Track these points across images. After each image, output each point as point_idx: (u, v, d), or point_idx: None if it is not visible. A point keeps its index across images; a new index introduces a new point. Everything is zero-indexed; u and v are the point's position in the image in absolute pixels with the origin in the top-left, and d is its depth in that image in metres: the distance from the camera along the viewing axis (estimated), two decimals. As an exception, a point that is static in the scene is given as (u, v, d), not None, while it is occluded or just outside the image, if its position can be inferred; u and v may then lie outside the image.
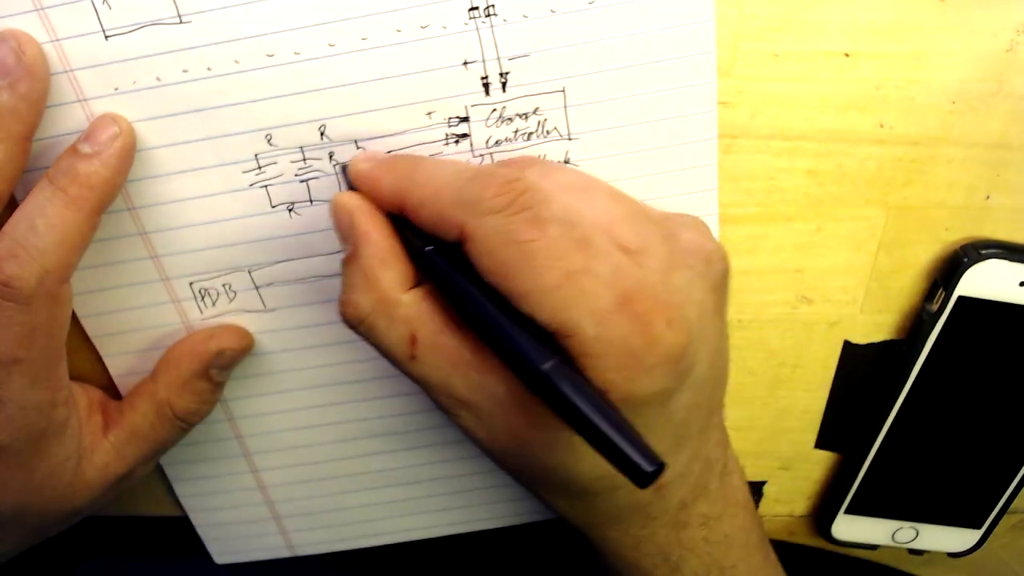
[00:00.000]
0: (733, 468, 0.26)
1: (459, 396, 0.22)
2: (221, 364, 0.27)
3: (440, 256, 0.21)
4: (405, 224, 0.22)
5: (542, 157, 0.25)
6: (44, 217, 0.22)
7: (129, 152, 0.23)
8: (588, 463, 0.21)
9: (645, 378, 0.19)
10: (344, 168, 0.24)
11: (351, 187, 0.23)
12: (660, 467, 0.17)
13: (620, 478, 0.21)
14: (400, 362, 0.22)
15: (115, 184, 0.23)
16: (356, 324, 0.22)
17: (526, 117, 0.25)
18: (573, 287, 0.19)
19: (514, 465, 0.23)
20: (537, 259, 0.19)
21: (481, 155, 0.25)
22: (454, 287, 0.21)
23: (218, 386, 0.28)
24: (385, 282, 0.21)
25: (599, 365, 0.19)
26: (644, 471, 0.17)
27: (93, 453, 0.26)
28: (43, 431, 0.24)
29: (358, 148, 0.25)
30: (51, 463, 0.25)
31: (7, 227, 0.22)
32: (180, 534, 0.34)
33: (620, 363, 0.19)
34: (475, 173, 0.20)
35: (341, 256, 0.22)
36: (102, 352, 0.28)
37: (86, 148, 0.23)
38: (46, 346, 0.23)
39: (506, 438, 0.22)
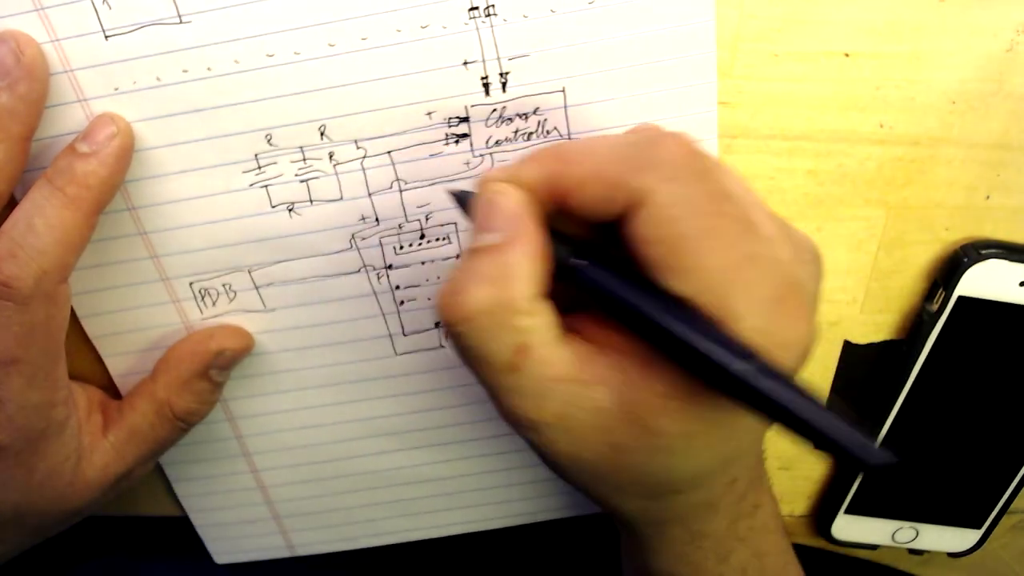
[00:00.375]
0: (763, 456, 0.26)
1: (553, 411, 0.20)
2: (221, 364, 0.27)
3: (599, 266, 0.20)
4: (557, 232, 0.20)
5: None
6: (42, 217, 0.22)
7: (127, 151, 0.23)
8: (693, 462, 0.21)
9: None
10: (458, 195, 0.22)
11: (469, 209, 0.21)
12: (887, 455, 0.17)
13: (708, 476, 0.20)
14: (495, 371, 0.20)
15: (113, 184, 0.23)
16: (459, 320, 0.19)
17: (526, 117, 0.25)
18: (746, 271, 0.18)
19: (597, 475, 0.22)
20: (719, 236, 0.18)
21: (481, 155, 0.25)
22: (616, 290, 0.19)
23: (218, 386, 0.28)
24: (523, 283, 0.19)
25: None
26: (878, 464, 0.17)
27: (93, 453, 0.26)
28: (42, 431, 0.24)
29: (358, 148, 0.25)
30: (51, 463, 0.25)
31: (5, 227, 0.22)
32: (180, 534, 0.34)
33: (772, 356, 0.18)
34: (635, 138, 0.19)
35: (478, 244, 0.20)
36: (102, 352, 0.28)
37: (84, 147, 0.23)
38: (45, 346, 0.23)
39: (600, 449, 0.20)
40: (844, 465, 0.17)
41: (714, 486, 0.22)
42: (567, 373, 0.20)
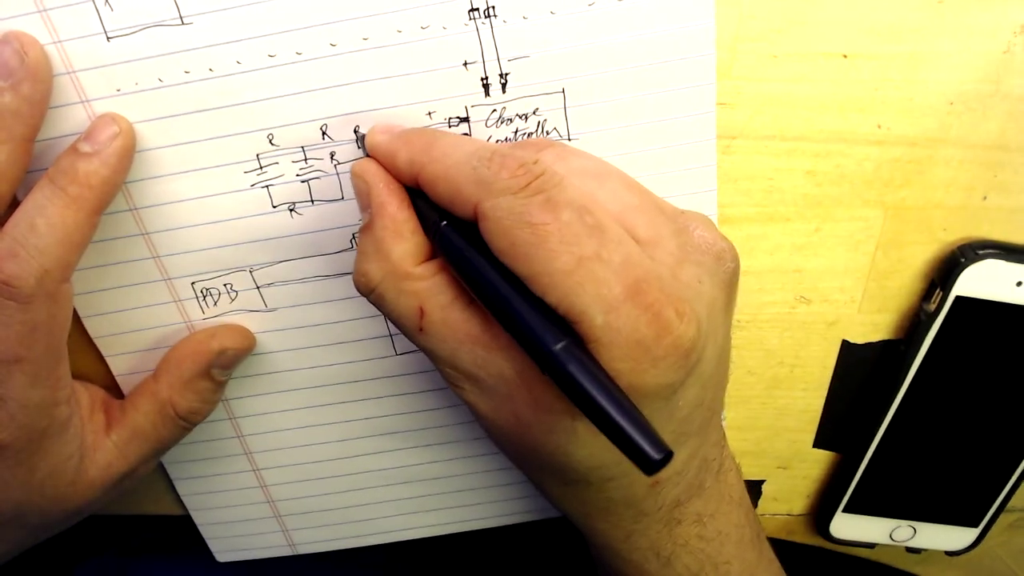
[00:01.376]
0: (729, 466, 0.26)
1: (464, 370, 0.22)
2: (223, 364, 0.27)
3: (454, 231, 0.21)
4: (422, 197, 0.22)
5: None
6: (44, 216, 0.22)
7: (129, 151, 0.23)
8: (587, 450, 0.21)
9: (652, 369, 0.19)
10: (362, 138, 0.24)
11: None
12: (668, 455, 0.17)
13: (615, 470, 0.20)
14: (409, 333, 0.22)
15: (115, 183, 0.23)
16: (367, 293, 0.22)
17: (526, 118, 0.25)
18: (583, 273, 0.19)
19: (513, 445, 0.23)
20: (549, 242, 0.19)
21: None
22: (467, 263, 0.21)
23: (220, 385, 0.28)
24: (397, 254, 0.21)
25: (606, 353, 0.19)
26: (652, 458, 0.17)
27: (95, 452, 0.26)
28: (45, 429, 0.24)
29: (359, 148, 0.25)
30: (53, 462, 0.25)
31: (7, 226, 0.22)
32: (182, 533, 0.34)
33: (628, 353, 0.19)
34: (492, 153, 0.20)
35: (361, 224, 0.22)
36: (104, 352, 0.28)
37: (86, 147, 0.23)
38: (47, 345, 0.23)
39: (508, 416, 0.22)
40: (630, 457, 0.17)
41: (628, 485, 0.22)
42: (469, 334, 0.21)
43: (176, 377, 0.27)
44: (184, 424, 0.27)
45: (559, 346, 0.18)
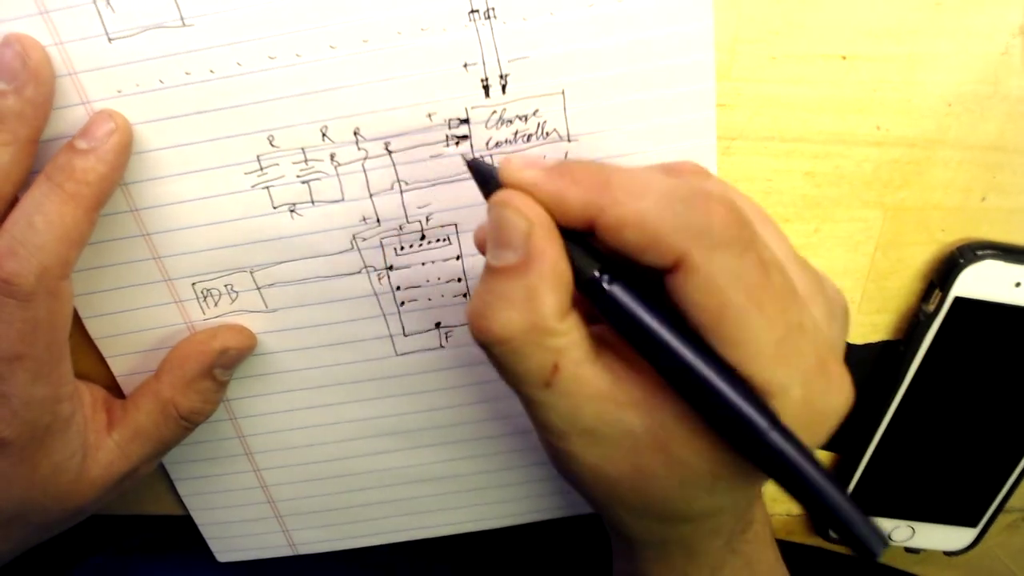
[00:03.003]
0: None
1: (583, 425, 0.20)
2: (225, 363, 0.27)
3: (627, 288, 0.19)
4: (577, 242, 0.19)
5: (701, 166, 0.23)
6: (42, 214, 0.22)
7: (126, 147, 0.23)
8: (714, 499, 0.21)
9: (824, 436, 0.19)
10: (476, 165, 0.21)
11: (487, 189, 0.20)
12: (887, 544, 0.17)
13: (725, 511, 0.21)
14: (529, 387, 0.20)
15: (112, 180, 0.23)
16: (495, 343, 0.19)
17: (526, 119, 0.25)
18: (789, 344, 0.18)
19: (615, 492, 0.21)
20: (765, 309, 0.18)
21: (481, 156, 0.25)
22: (640, 323, 0.18)
23: (222, 385, 0.28)
24: (549, 306, 0.19)
25: (797, 425, 0.18)
26: (876, 552, 0.17)
27: (97, 451, 0.26)
28: (48, 426, 0.24)
29: (359, 149, 0.25)
30: (55, 459, 0.25)
31: (6, 224, 0.22)
32: (183, 533, 0.34)
33: (813, 424, 0.18)
34: (690, 193, 0.18)
35: (496, 262, 0.19)
36: (105, 353, 0.28)
37: (82, 144, 0.23)
38: (49, 342, 0.23)
39: (625, 469, 0.20)
40: (854, 551, 0.18)
41: (726, 518, 0.23)
42: (599, 391, 0.20)
43: (178, 377, 0.27)
44: (186, 424, 0.27)
45: (772, 431, 0.17)
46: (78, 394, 0.26)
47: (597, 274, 0.19)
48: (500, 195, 0.19)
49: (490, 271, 0.19)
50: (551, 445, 0.21)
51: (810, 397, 0.18)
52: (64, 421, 0.25)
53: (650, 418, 0.20)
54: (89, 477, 0.26)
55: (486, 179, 0.20)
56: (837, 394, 0.19)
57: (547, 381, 0.19)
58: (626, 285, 0.19)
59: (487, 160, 0.26)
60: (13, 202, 0.23)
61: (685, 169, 0.22)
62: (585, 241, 0.19)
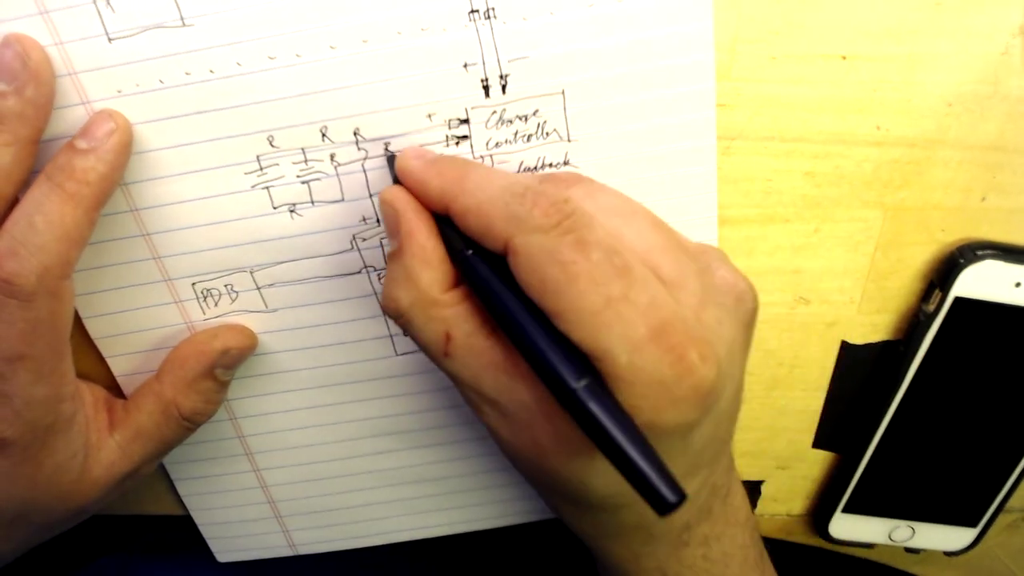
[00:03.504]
0: (736, 489, 0.26)
1: (487, 395, 0.22)
2: (226, 363, 0.27)
3: (481, 262, 0.21)
4: (450, 225, 0.22)
5: (585, 176, 0.25)
6: (42, 214, 0.22)
7: (126, 147, 0.23)
8: (603, 480, 0.22)
9: (672, 409, 0.20)
10: (391, 158, 0.24)
11: (396, 180, 0.23)
12: (682, 498, 0.18)
13: (630, 497, 0.20)
14: (434, 358, 0.23)
15: (112, 180, 0.23)
16: (395, 318, 0.23)
17: (526, 119, 0.25)
18: (611, 313, 0.19)
19: (531, 470, 0.23)
20: (579, 282, 0.19)
21: (481, 157, 0.26)
22: (492, 294, 0.21)
23: (223, 385, 0.28)
24: (425, 281, 0.22)
25: (628, 391, 0.19)
26: (668, 501, 0.18)
27: (99, 451, 0.26)
28: (50, 426, 0.24)
29: (359, 150, 0.25)
30: (58, 459, 0.25)
31: (7, 225, 0.22)
32: (182, 532, 0.34)
33: (649, 392, 0.19)
34: (524, 189, 0.20)
35: (389, 249, 0.23)
36: (105, 353, 0.28)
37: (82, 144, 0.23)
38: (50, 341, 0.23)
39: (527, 442, 0.22)
40: (645, 497, 0.18)
41: (640, 511, 0.23)
42: (493, 361, 0.22)
43: (179, 377, 0.27)
44: (188, 424, 0.28)
45: (580, 384, 0.19)
46: (79, 394, 0.26)
47: (462, 251, 0.22)
48: (382, 192, 0.23)
49: (387, 257, 0.23)
50: (485, 425, 0.23)
51: (640, 364, 0.19)
52: (66, 421, 0.25)
53: (539, 390, 0.21)
54: (91, 476, 0.26)
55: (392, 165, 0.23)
56: (677, 365, 0.19)
57: (444, 351, 0.22)
58: (482, 260, 0.21)
59: (488, 160, 0.26)
60: (14, 202, 0.23)
61: (560, 176, 0.24)
62: (457, 228, 0.22)
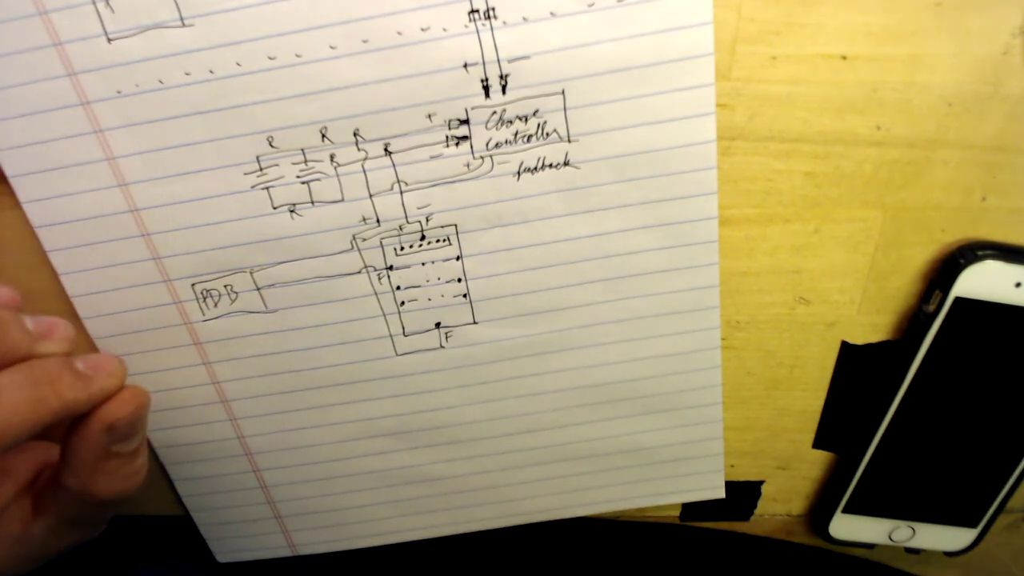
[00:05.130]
0: None
1: None
2: (118, 438, 0.24)
3: None
4: None
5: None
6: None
7: (110, 394, 0.24)
8: None
9: None
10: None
11: None
12: None
13: None
14: None
15: (78, 409, 0.23)
16: None
17: (526, 119, 0.25)
18: None
19: None
20: None
21: (481, 157, 0.26)
22: None
23: (133, 455, 0.25)
24: None
25: None
26: None
27: (26, 539, 0.25)
28: None
29: (359, 150, 0.25)
30: None
31: None
32: (182, 533, 0.34)
33: None
34: None
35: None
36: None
37: (80, 366, 0.23)
38: None
39: None
40: None
41: None
42: None
43: (77, 466, 0.24)
44: (116, 500, 0.25)
45: None
46: None
47: None
48: None
49: None
50: None
51: None
52: None
53: None
54: (19, 559, 0.25)
55: None
56: None
57: None
58: None
59: (488, 161, 0.26)
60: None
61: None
62: None
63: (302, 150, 0.25)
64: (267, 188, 0.26)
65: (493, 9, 0.23)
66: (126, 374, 0.25)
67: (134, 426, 0.25)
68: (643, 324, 0.29)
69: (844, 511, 0.34)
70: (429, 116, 0.25)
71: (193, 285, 0.27)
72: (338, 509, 0.34)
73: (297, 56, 0.23)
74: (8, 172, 0.25)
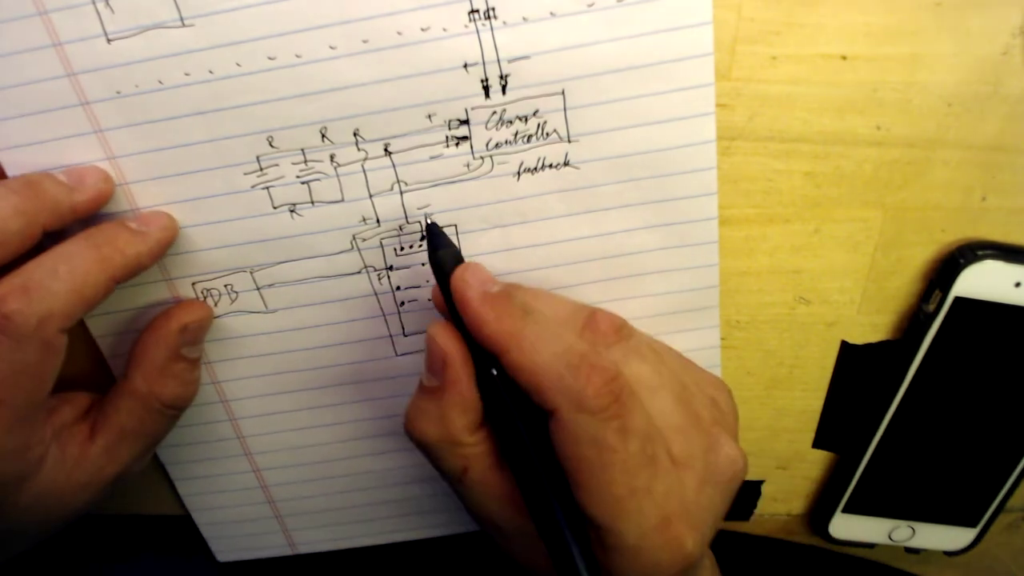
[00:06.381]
0: None
1: (491, 520, 0.25)
2: (189, 340, 0.27)
3: (525, 424, 0.23)
4: (494, 366, 0.23)
5: (624, 326, 0.26)
6: (68, 264, 0.22)
7: (167, 245, 0.25)
8: None
9: None
10: (433, 229, 0.25)
11: (437, 269, 0.24)
12: None
13: None
14: (448, 479, 0.25)
15: (142, 264, 0.24)
16: (418, 445, 0.24)
17: (526, 120, 0.25)
18: (632, 503, 0.21)
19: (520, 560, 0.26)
20: (612, 470, 0.21)
21: (481, 157, 0.26)
22: (523, 451, 0.23)
23: (194, 363, 0.28)
24: (457, 426, 0.23)
25: (626, 566, 0.22)
26: None
27: (84, 461, 0.26)
28: (19, 472, 0.24)
29: (359, 150, 0.25)
30: (34, 492, 0.24)
31: (29, 265, 0.22)
32: (182, 532, 0.34)
33: (645, 570, 0.22)
34: (579, 359, 0.22)
35: (425, 382, 0.24)
36: (105, 353, 0.28)
37: (133, 225, 0.24)
38: (30, 391, 0.23)
39: (523, 559, 0.25)
40: None
41: None
42: (502, 492, 0.24)
43: (148, 368, 0.26)
44: (172, 412, 0.27)
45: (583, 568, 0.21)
46: (52, 420, 0.25)
47: (511, 412, 0.23)
48: (430, 328, 0.24)
49: (420, 386, 0.24)
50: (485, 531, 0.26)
51: (644, 549, 0.22)
52: (35, 463, 0.24)
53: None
54: (77, 485, 0.25)
55: (440, 264, 0.24)
56: (671, 552, 0.22)
57: (459, 478, 0.24)
58: (522, 426, 0.23)
59: (488, 161, 0.26)
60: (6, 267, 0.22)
61: (602, 328, 0.25)
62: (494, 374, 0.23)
63: (302, 150, 0.25)
64: (267, 188, 0.26)
65: (493, 9, 0.23)
66: (178, 227, 0.26)
67: (202, 330, 0.28)
68: (643, 324, 0.29)
69: (844, 511, 0.34)
70: (429, 116, 0.25)
71: (193, 284, 0.27)
72: (338, 508, 0.34)
73: (297, 56, 0.23)
74: (8, 172, 0.25)
